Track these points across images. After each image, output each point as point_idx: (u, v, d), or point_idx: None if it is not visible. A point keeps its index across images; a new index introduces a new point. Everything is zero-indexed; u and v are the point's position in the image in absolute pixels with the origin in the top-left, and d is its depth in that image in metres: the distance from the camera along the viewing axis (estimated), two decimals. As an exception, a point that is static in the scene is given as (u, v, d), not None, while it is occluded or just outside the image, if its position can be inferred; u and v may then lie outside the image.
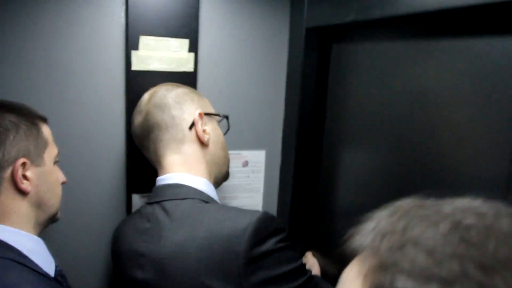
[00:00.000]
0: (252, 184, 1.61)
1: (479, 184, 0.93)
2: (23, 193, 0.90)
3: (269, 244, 0.96)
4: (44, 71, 1.28)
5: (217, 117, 1.28)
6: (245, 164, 1.57)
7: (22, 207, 0.91)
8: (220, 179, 1.27)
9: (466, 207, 0.43)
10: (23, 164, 0.90)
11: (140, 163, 1.40)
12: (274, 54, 1.55)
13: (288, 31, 1.54)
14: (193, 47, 1.41)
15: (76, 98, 1.33)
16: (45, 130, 1.00)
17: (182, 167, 1.14)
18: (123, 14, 1.33)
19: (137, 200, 1.44)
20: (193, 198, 1.07)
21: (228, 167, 1.30)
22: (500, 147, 0.87)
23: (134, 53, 1.35)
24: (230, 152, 1.35)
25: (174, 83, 1.31)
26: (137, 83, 1.37)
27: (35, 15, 1.24)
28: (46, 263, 0.94)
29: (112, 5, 1.32)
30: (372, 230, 0.45)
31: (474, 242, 0.38)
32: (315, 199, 1.56)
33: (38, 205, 0.95)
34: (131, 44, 1.34)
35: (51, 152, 1.00)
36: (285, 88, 1.58)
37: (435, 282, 0.36)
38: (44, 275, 0.89)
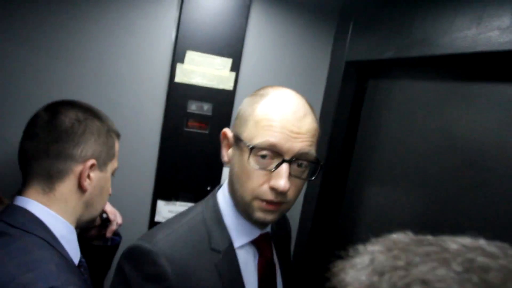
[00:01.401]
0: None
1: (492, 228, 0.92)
2: (81, 189, 0.98)
3: None
4: (94, 72, 1.37)
5: None
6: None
7: (74, 201, 0.98)
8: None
9: (472, 245, 0.40)
10: (92, 165, 0.98)
11: (169, 171, 1.45)
12: (312, 83, 1.59)
13: (328, 63, 1.59)
14: (235, 67, 1.48)
15: (119, 101, 1.40)
16: (116, 145, 1.09)
17: None
18: (174, 29, 1.41)
19: (162, 207, 1.48)
20: None
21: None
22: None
23: (179, 66, 1.42)
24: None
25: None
26: (178, 95, 1.43)
27: (95, 21, 1.35)
28: (73, 251, 0.98)
29: (166, 19, 1.41)
30: (367, 266, 0.42)
31: (495, 284, 0.35)
32: (335, 230, 1.56)
33: (87, 205, 1.01)
34: (177, 57, 1.42)
35: (114, 164, 1.08)
36: (318, 117, 1.61)
37: None
38: (69, 260, 0.93)
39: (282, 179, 0.87)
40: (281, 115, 0.89)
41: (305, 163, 0.90)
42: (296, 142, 0.88)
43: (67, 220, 0.97)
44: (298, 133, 0.89)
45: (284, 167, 0.88)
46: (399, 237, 0.44)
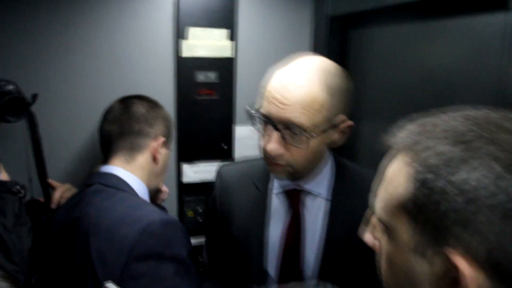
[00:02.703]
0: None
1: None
2: (154, 161, 1.25)
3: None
4: (107, 58, 1.53)
5: None
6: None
7: (148, 170, 1.24)
8: None
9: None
10: (164, 142, 1.27)
11: (188, 136, 1.65)
12: (300, 41, 1.78)
13: (313, 20, 1.77)
14: (233, 36, 1.65)
15: (133, 82, 1.57)
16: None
17: None
18: (172, 9, 1.57)
19: (187, 169, 1.68)
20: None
21: None
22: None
23: (184, 42, 1.59)
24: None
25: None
26: (186, 68, 1.61)
27: (100, 12, 1.50)
28: None
29: (164, 1, 1.56)
30: (402, 134, 0.60)
31: (479, 123, 0.54)
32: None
33: (156, 174, 1.29)
34: (180, 34, 1.58)
35: (171, 145, 1.38)
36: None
37: (459, 143, 0.51)
38: None
39: (268, 143, 0.98)
40: (274, 86, 0.97)
41: (298, 131, 0.95)
42: (284, 112, 0.94)
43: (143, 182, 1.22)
44: (285, 104, 0.94)
45: (272, 133, 0.98)
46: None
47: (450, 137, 0.53)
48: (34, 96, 1.24)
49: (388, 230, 0.61)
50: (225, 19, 1.63)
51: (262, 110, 0.99)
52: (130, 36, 1.55)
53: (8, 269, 0.97)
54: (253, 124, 1.04)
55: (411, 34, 1.39)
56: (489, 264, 0.49)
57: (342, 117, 1.00)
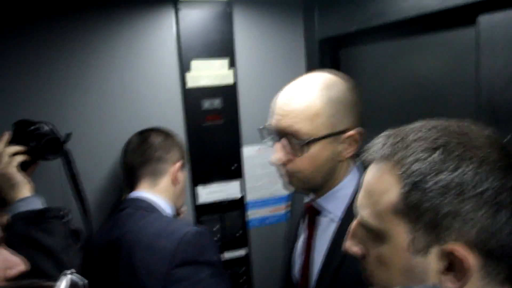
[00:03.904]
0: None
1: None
2: (174, 183, 1.41)
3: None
4: (119, 96, 1.67)
5: None
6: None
7: (170, 192, 1.40)
8: None
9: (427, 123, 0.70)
10: (180, 165, 1.43)
11: (200, 160, 1.78)
12: (293, 64, 1.92)
13: (304, 44, 1.92)
14: (232, 64, 1.79)
15: (145, 114, 1.71)
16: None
17: None
18: (175, 44, 1.72)
19: (201, 190, 1.80)
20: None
21: None
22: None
23: (188, 75, 1.73)
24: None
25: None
26: (192, 98, 1.75)
27: (110, 54, 1.64)
28: None
29: (167, 38, 1.71)
30: (376, 147, 0.70)
31: (442, 130, 0.65)
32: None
33: (177, 196, 1.44)
34: (184, 66, 1.72)
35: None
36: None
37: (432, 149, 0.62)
38: None
39: (273, 153, 1.07)
40: (278, 101, 1.07)
41: (295, 139, 1.01)
42: (282, 122, 1.03)
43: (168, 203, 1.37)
44: (282, 115, 1.03)
45: (276, 144, 1.07)
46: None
47: (424, 144, 0.64)
48: (68, 135, 1.37)
49: (378, 235, 0.67)
50: (225, 48, 1.78)
51: (269, 126, 1.10)
52: (139, 74, 1.69)
53: None
54: (264, 141, 1.15)
55: (395, 50, 1.54)
56: (478, 245, 0.59)
57: (345, 127, 1.03)
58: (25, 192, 1.21)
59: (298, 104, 1.01)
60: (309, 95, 1.01)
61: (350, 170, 1.12)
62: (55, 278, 0.58)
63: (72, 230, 1.35)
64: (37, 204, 1.22)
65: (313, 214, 1.16)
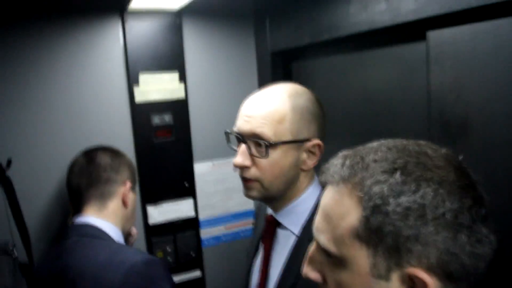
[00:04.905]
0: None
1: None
2: (124, 205, 1.33)
3: None
4: (64, 111, 1.56)
5: None
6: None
7: (120, 215, 1.32)
8: None
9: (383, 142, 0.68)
10: (130, 186, 1.35)
11: (150, 179, 1.69)
12: (245, 77, 1.89)
13: (256, 57, 1.89)
14: (182, 78, 1.73)
15: (91, 130, 1.61)
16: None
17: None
18: (123, 57, 1.63)
19: (152, 210, 1.71)
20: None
21: None
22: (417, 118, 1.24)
23: (136, 88, 1.64)
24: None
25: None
26: (141, 112, 1.67)
27: (52, 67, 1.54)
28: None
29: (114, 51, 1.63)
30: (334, 169, 0.67)
31: (401, 150, 0.64)
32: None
33: (127, 218, 1.36)
34: (132, 80, 1.64)
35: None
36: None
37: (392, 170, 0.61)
38: None
39: (235, 157, 1.05)
40: (244, 105, 1.06)
41: (261, 142, 1.00)
42: (247, 124, 1.02)
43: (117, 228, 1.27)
44: (249, 116, 1.02)
45: (239, 146, 1.06)
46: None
47: (385, 165, 0.62)
48: (9, 162, 1.26)
49: (338, 260, 0.64)
50: (174, 61, 1.71)
51: (235, 129, 1.08)
52: (84, 88, 1.59)
53: None
54: (230, 146, 1.13)
55: (347, 64, 1.54)
56: (439, 268, 0.58)
57: (309, 136, 1.04)
58: None
59: (264, 108, 1.02)
60: (275, 100, 1.03)
61: (312, 182, 1.11)
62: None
63: (20, 265, 1.25)
64: None
65: (273, 226, 1.13)
